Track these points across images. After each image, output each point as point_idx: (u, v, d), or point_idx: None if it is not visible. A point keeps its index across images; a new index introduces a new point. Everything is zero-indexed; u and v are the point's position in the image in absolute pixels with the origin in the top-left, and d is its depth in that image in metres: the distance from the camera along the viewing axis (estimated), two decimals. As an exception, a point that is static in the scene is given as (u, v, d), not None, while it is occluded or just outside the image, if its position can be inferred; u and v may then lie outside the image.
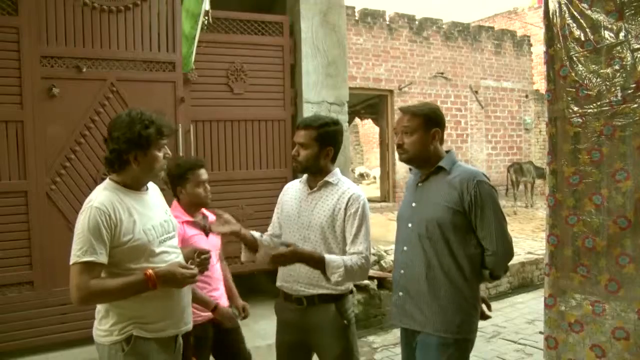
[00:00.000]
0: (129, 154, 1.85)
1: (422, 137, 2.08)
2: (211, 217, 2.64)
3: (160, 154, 1.92)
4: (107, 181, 1.92)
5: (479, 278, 2.09)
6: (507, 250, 2.04)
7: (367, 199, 2.24)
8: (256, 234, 2.28)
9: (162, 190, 2.16)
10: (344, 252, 2.15)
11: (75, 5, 3.48)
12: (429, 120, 2.09)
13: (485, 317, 2.20)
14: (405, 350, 2.23)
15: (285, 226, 2.28)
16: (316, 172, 2.22)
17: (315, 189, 2.22)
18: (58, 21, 3.44)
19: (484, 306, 2.20)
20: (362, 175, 17.39)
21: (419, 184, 2.16)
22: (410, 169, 2.27)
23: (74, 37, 3.49)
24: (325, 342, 2.19)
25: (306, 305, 2.18)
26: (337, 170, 2.26)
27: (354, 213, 2.13)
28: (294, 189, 2.33)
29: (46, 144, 3.41)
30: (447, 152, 2.17)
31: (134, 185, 1.93)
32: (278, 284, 2.28)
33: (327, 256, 2.03)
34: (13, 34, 3.31)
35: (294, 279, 2.20)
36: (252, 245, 2.24)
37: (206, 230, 2.60)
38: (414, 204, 2.16)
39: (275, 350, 2.35)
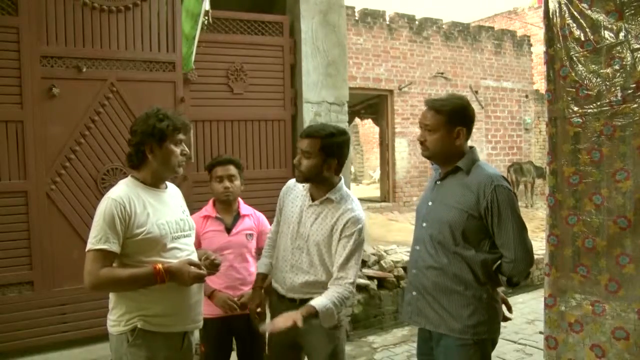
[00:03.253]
0: (145, 146, 1.94)
1: (444, 136, 2.00)
2: (251, 211, 2.77)
3: (177, 150, 1.99)
4: (127, 177, 2.01)
5: (496, 280, 2.02)
6: (527, 257, 1.95)
7: (364, 219, 2.17)
8: (263, 270, 2.35)
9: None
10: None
11: (75, 5, 3.48)
12: (453, 118, 1.99)
13: (505, 319, 2.15)
14: (421, 346, 2.20)
15: (283, 229, 2.26)
16: (319, 183, 2.17)
17: (316, 202, 2.18)
18: (58, 21, 3.44)
19: (504, 308, 2.15)
20: (353, 174, 17.32)
21: (438, 182, 2.12)
22: (432, 164, 2.19)
23: (74, 37, 3.49)
24: (316, 343, 2.18)
25: (298, 304, 2.16)
26: (341, 185, 2.19)
27: (348, 236, 2.09)
28: (297, 193, 2.28)
29: (46, 144, 3.42)
30: (470, 147, 2.08)
31: (153, 182, 2.01)
32: (273, 284, 2.28)
33: (316, 304, 1.96)
34: (13, 34, 3.31)
35: (289, 287, 2.20)
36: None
37: (227, 228, 2.66)
38: (430, 203, 2.12)
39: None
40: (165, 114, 1.96)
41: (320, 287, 2.14)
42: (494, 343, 2.07)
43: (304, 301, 2.15)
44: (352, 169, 17.55)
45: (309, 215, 2.18)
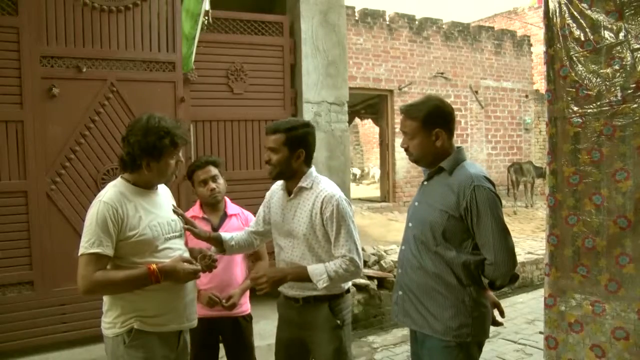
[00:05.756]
0: (142, 160, 1.91)
1: (424, 140, 2.01)
2: (238, 210, 2.76)
3: (173, 161, 1.98)
4: (118, 179, 1.99)
5: (480, 283, 2.00)
6: (507, 260, 1.89)
7: (343, 196, 2.18)
8: (225, 235, 2.33)
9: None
10: (331, 253, 2.16)
11: (75, 5, 3.48)
12: (429, 122, 1.99)
13: (496, 323, 2.14)
14: (412, 346, 2.20)
15: (274, 232, 2.31)
16: (290, 177, 2.21)
17: (292, 196, 2.22)
18: (58, 21, 3.44)
19: (496, 312, 2.13)
20: (353, 175, 17.38)
21: (425, 183, 2.13)
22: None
23: (74, 37, 3.49)
24: (319, 340, 2.19)
25: (302, 304, 2.20)
26: (310, 171, 2.22)
27: (329, 216, 2.11)
28: (278, 194, 2.33)
29: (46, 144, 3.42)
30: (457, 147, 2.08)
31: (144, 185, 2.00)
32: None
33: (309, 267, 2.08)
34: (13, 34, 3.31)
35: (289, 284, 2.21)
36: (218, 245, 2.32)
37: (214, 228, 2.65)
38: (416, 203, 2.13)
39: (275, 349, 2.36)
40: (167, 130, 1.92)
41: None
42: (480, 346, 2.05)
43: (306, 299, 2.18)
44: (355, 170, 17.61)
45: (289, 210, 2.22)
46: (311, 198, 2.16)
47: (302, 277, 2.09)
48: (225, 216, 2.70)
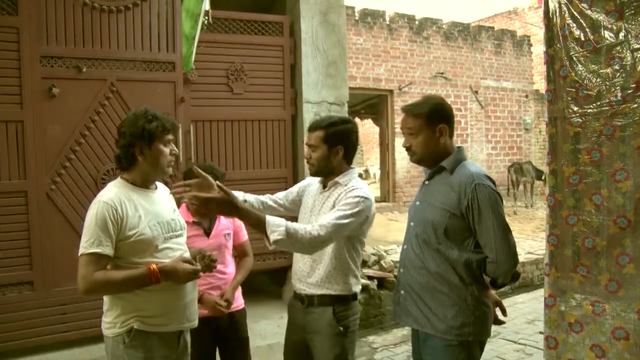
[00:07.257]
0: (134, 147, 1.93)
1: (428, 136, 2.01)
2: (223, 220, 2.73)
3: (166, 149, 1.98)
4: (117, 179, 2.00)
5: (482, 282, 2.00)
6: (509, 258, 1.90)
7: (374, 203, 2.13)
8: (238, 194, 2.22)
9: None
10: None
11: (75, 5, 3.48)
12: (433, 118, 2.00)
13: (498, 322, 2.14)
14: (414, 345, 2.20)
15: (300, 222, 2.27)
16: (329, 173, 2.20)
17: (325, 188, 2.21)
18: (58, 21, 3.44)
19: (498, 311, 2.13)
20: (360, 175, 17.37)
21: (426, 182, 2.13)
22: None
23: (74, 37, 3.49)
24: (320, 345, 2.17)
25: (306, 305, 2.18)
26: (352, 171, 2.21)
27: (347, 198, 2.06)
28: (315, 185, 2.32)
29: (46, 144, 3.42)
30: (458, 147, 2.08)
31: (143, 183, 2.00)
32: (292, 280, 2.30)
33: (269, 216, 1.90)
34: (13, 34, 3.31)
35: (297, 277, 2.22)
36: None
37: (206, 231, 2.65)
38: (417, 203, 2.13)
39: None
40: (154, 115, 1.96)
41: (327, 279, 2.13)
42: (481, 345, 2.05)
43: (310, 300, 2.17)
44: (361, 170, 17.61)
45: (319, 202, 2.21)
46: (341, 192, 2.14)
47: (257, 220, 1.88)
48: (215, 217, 2.71)
